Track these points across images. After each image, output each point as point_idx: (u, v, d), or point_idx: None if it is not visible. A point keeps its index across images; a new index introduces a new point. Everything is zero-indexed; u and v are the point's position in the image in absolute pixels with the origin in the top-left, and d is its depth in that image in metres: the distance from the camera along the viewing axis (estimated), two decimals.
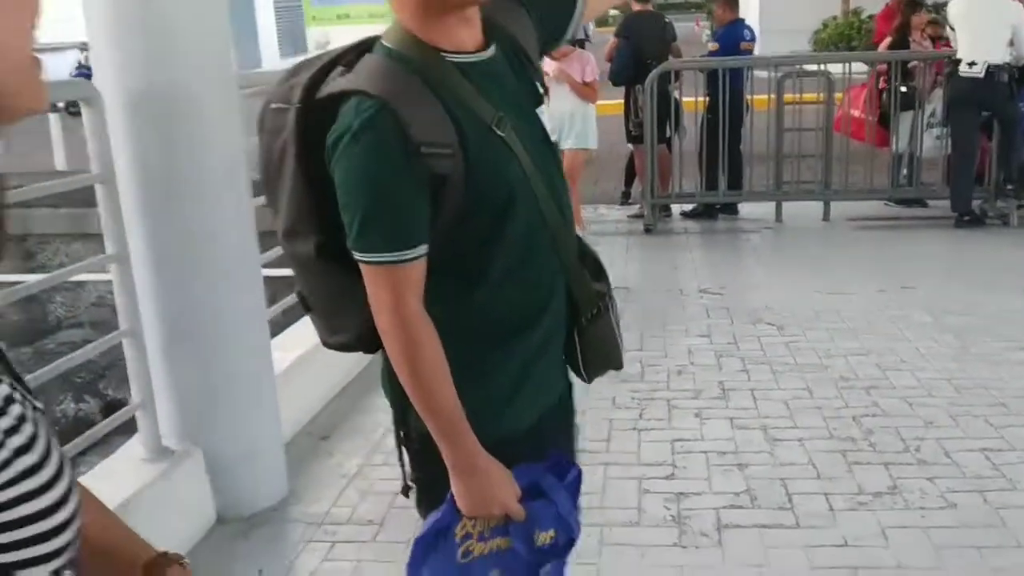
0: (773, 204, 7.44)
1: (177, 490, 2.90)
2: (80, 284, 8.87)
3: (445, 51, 1.40)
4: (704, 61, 7.93)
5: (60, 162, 10.34)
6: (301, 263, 1.53)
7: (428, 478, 1.56)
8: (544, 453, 1.59)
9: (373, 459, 3.50)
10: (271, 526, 3.05)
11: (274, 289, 6.35)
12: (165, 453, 2.91)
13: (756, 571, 2.62)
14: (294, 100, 1.43)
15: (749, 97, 7.52)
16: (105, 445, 5.26)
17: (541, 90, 1.55)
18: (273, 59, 18.21)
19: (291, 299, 4.12)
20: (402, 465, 1.60)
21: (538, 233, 1.49)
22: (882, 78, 7.77)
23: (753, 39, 7.76)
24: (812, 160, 7.57)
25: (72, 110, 12.71)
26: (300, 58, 1.62)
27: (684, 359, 4.40)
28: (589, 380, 1.67)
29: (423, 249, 1.38)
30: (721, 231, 7.34)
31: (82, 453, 5.29)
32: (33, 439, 0.67)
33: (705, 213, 7.59)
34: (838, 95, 7.66)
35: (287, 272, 5.84)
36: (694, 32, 27.03)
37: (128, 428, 3.19)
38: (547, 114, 1.56)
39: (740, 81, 7.30)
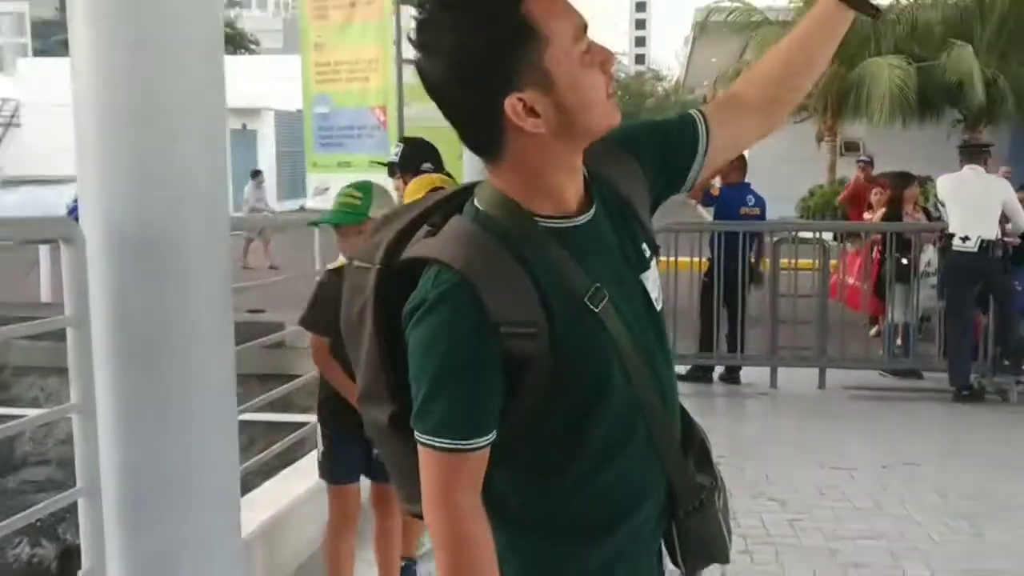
0: (768, 369, 7.31)
1: None
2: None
3: (540, 216, 1.28)
4: (699, 224, 7.92)
5: (46, 294, 10.37)
6: (375, 429, 1.40)
7: None
8: None
9: None
10: None
11: (251, 434, 6.08)
12: None
13: None
14: (376, 259, 1.33)
15: (752, 261, 7.31)
16: None
17: (649, 252, 1.39)
18: (271, 202, 18.36)
19: (269, 451, 3.89)
20: None
21: (633, 422, 1.32)
22: (875, 248, 7.81)
23: (758, 205, 7.27)
24: (806, 326, 7.47)
25: None
26: (298, 202, 1.50)
27: None
28: (688, 575, 1.45)
29: (486, 439, 1.24)
30: (717, 395, 7.17)
31: None
32: None
33: (700, 376, 7.39)
34: (833, 261, 7.66)
35: (265, 417, 5.42)
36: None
37: None
38: (653, 279, 1.39)
39: (736, 244, 7.14)
